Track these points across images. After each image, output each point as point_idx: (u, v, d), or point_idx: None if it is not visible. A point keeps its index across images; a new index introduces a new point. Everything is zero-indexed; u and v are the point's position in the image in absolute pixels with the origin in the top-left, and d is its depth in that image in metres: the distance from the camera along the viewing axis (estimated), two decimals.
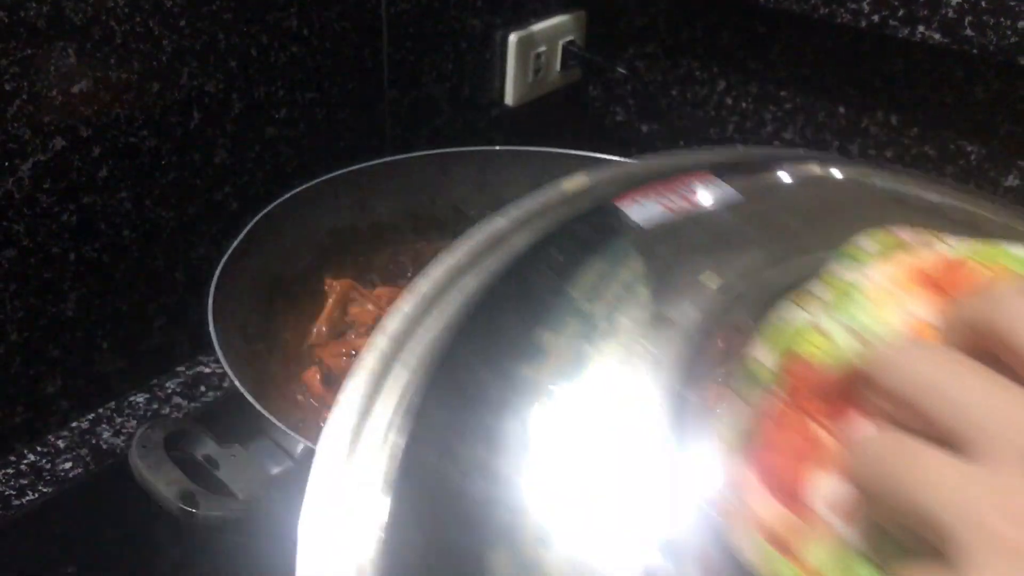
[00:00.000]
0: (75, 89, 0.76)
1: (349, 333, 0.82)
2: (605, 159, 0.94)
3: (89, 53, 0.76)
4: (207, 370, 0.95)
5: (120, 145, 0.81)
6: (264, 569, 0.74)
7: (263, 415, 0.59)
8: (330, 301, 0.82)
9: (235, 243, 0.74)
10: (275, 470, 0.58)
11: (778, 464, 0.34)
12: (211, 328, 0.65)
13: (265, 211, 0.78)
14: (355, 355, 0.74)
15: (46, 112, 0.75)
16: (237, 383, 0.60)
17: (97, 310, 0.85)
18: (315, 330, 0.81)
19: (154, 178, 0.85)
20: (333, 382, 0.75)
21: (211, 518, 0.53)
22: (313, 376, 0.76)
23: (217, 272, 0.71)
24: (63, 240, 0.80)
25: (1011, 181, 1.07)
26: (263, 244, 0.78)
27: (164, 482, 0.54)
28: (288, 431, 0.57)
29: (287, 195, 0.81)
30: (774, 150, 0.57)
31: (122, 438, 0.86)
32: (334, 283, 0.83)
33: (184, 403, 0.91)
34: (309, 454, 0.57)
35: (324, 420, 0.72)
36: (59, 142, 0.77)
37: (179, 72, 0.83)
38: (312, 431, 0.73)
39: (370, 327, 0.81)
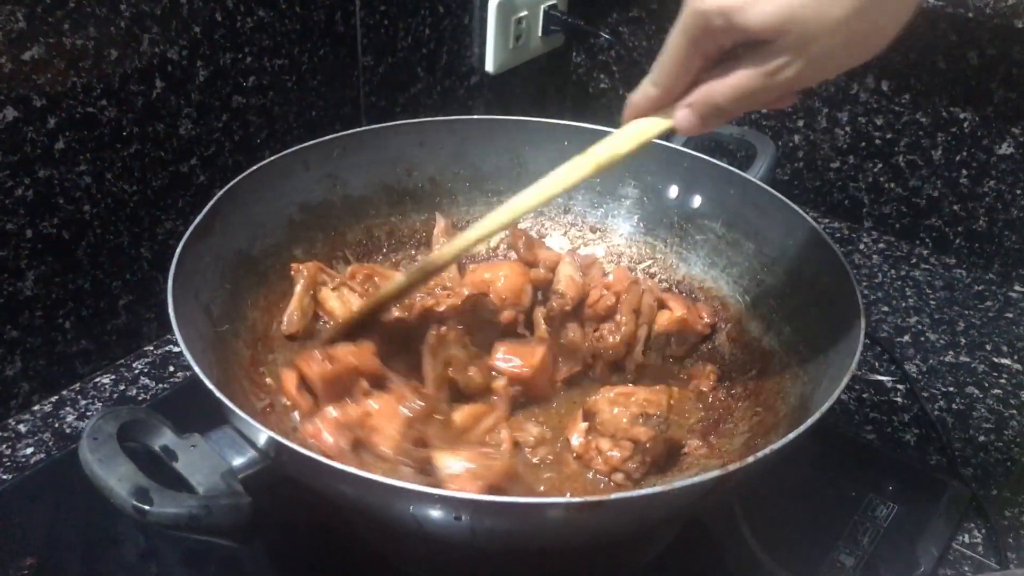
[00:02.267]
0: (26, 56, 0.72)
1: (321, 333, 0.78)
2: (588, 128, 0.91)
3: (40, 17, 0.72)
4: (176, 349, 0.92)
5: (77, 115, 0.77)
6: (230, 559, 0.71)
7: (224, 403, 0.55)
8: (299, 287, 0.79)
9: (197, 219, 0.70)
10: (237, 461, 0.55)
11: None
12: (171, 310, 0.62)
13: (230, 184, 0.75)
14: (334, 362, 0.68)
15: None
16: (197, 370, 0.57)
17: (58, 289, 0.82)
18: (286, 318, 0.78)
19: (115, 150, 0.81)
20: (310, 389, 0.71)
21: (165, 516, 0.50)
22: (289, 379, 0.72)
23: (178, 250, 0.67)
24: (18, 216, 0.76)
25: (1005, 149, 1.05)
26: (228, 220, 0.74)
27: (115, 477, 0.50)
28: (250, 420, 0.54)
29: (253, 168, 0.77)
30: None
31: (87, 421, 0.83)
32: (301, 267, 0.79)
33: (152, 384, 0.88)
34: (273, 444, 0.54)
35: (299, 422, 0.68)
36: (10, 112, 0.72)
37: (139, 38, 0.79)
38: (280, 417, 0.70)
39: (343, 317, 0.78)
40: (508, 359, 0.75)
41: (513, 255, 0.88)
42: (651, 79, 0.60)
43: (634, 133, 0.63)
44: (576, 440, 0.71)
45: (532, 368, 0.75)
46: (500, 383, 0.75)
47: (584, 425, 0.71)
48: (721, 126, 0.60)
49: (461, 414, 0.71)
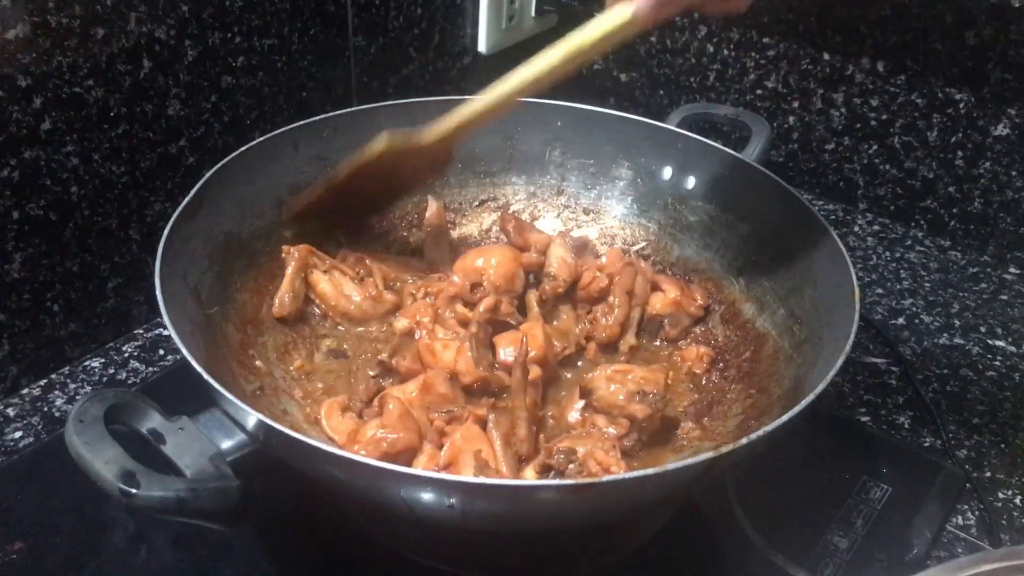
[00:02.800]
0: (10, 35, 0.71)
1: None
2: (581, 108, 0.90)
3: None
4: (166, 333, 0.90)
5: (64, 96, 0.76)
6: (220, 542, 0.71)
7: (213, 386, 0.55)
8: (290, 270, 0.78)
9: (185, 200, 0.69)
10: (226, 444, 0.55)
11: None
12: (158, 292, 0.61)
13: (218, 166, 0.74)
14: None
15: None
16: (185, 352, 0.57)
17: (45, 271, 0.81)
18: (277, 300, 0.77)
19: (103, 131, 0.80)
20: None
21: (152, 499, 0.49)
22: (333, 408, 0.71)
23: (166, 232, 0.66)
24: (4, 197, 0.75)
25: (1001, 130, 1.04)
26: (217, 201, 0.73)
27: (102, 460, 0.50)
28: (239, 403, 0.53)
29: (242, 148, 0.76)
30: None
31: (74, 404, 0.82)
32: (292, 250, 0.79)
33: (142, 368, 0.87)
34: (263, 427, 0.53)
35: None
36: None
37: (126, 17, 0.78)
38: (270, 400, 0.69)
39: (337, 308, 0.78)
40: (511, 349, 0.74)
41: (504, 239, 0.88)
42: None
43: (598, 23, 0.66)
44: (573, 416, 0.71)
45: (540, 347, 0.73)
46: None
47: (581, 403, 0.71)
48: (673, 14, 0.65)
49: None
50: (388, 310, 0.81)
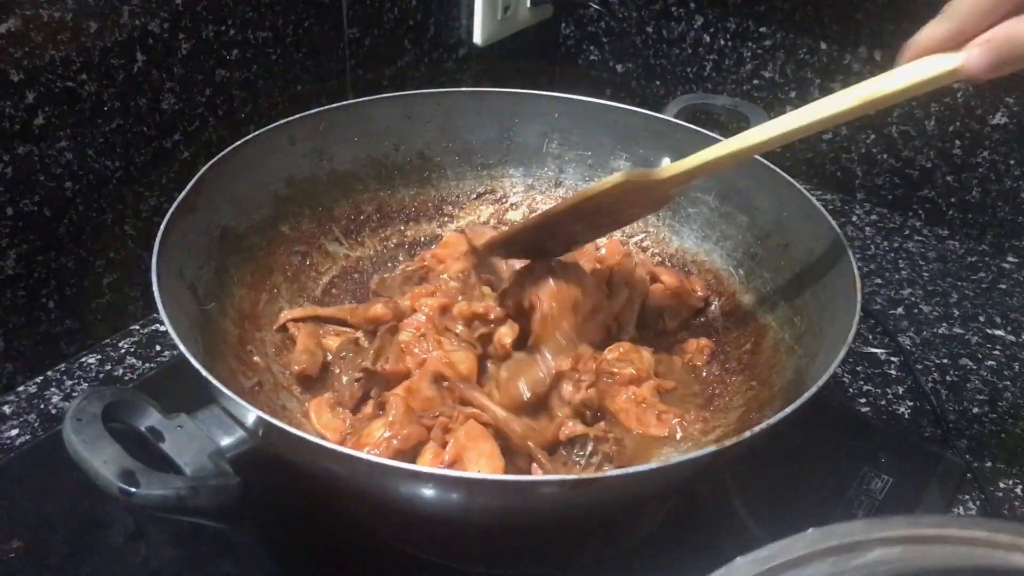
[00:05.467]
0: (2, 29, 0.70)
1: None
2: (578, 100, 0.89)
3: None
4: (163, 328, 0.90)
5: (57, 90, 0.75)
6: (220, 539, 0.70)
7: (211, 382, 0.54)
8: (301, 336, 0.75)
9: (181, 195, 0.69)
10: (225, 441, 0.54)
11: None
12: (155, 288, 0.60)
13: (214, 160, 0.73)
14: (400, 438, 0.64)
15: None
16: (183, 348, 0.56)
17: (40, 267, 0.80)
18: (295, 358, 0.74)
19: (96, 125, 0.79)
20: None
21: (152, 498, 0.49)
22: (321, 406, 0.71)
23: (162, 227, 0.65)
24: None
25: (998, 119, 1.04)
26: (213, 196, 0.73)
27: (101, 459, 0.49)
28: (238, 400, 0.53)
29: (237, 142, 0.76)
30: None
31: (71, 402, 0.81)
32: (298, 325, 0.76)
33: (139, 364, 0.87)
34: (262, 424, 0.53)
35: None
36: None
37: (119, 10, 0.77)
38: (268, 396, 0.69)
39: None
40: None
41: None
42: (942, 14, 0.53)
43: (910, 70, 0.56)
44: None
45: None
46: None
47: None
48: (1012, 71, 0.52)
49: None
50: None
